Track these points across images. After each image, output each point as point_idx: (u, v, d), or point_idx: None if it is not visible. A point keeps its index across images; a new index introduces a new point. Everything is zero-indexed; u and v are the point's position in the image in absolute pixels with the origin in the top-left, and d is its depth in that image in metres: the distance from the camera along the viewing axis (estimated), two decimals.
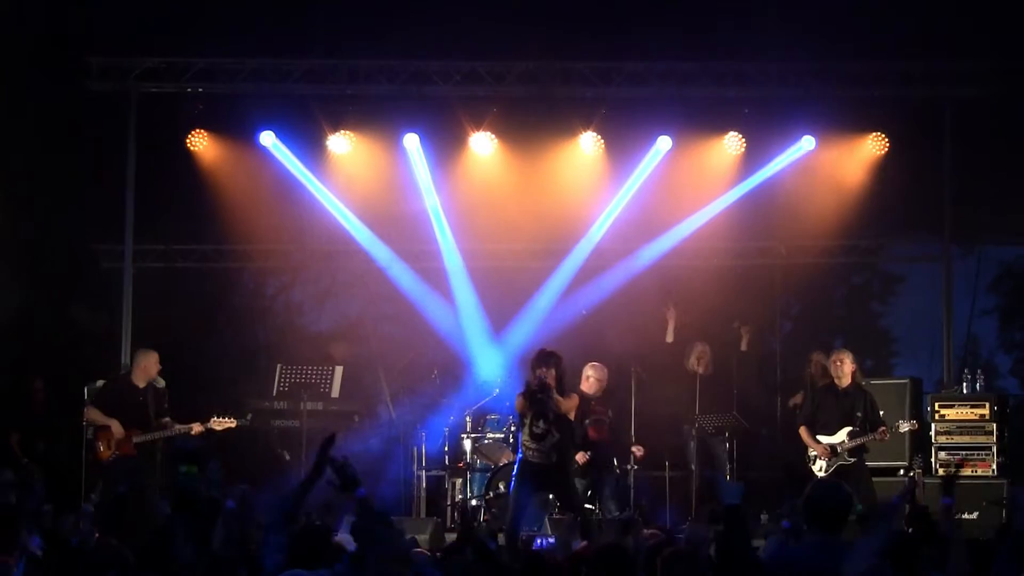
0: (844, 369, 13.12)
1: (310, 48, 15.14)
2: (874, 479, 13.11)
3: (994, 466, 13.98)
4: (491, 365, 15.24)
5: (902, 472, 13.75)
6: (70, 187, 15.45)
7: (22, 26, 14.92)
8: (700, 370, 14.34)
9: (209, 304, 16.60)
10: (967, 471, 13.95)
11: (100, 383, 14.08)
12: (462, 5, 14.77)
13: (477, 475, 14.17)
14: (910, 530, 9.61)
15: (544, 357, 11.57)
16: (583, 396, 13.60)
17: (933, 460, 14.08)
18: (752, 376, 15.27)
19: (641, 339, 15.23)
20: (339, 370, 14.73)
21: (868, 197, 15.39)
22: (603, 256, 15.90)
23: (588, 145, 15.46)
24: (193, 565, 6.75)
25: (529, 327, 15.53)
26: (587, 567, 6.77)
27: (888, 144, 15.39)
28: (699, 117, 15.29)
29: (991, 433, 14.06)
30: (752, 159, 15.57)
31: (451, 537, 11.98)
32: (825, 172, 15.47)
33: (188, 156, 15.41)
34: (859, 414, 13.03)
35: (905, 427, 13.52)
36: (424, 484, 14.59)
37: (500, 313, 15.81)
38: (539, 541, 11.33)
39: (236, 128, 15.40)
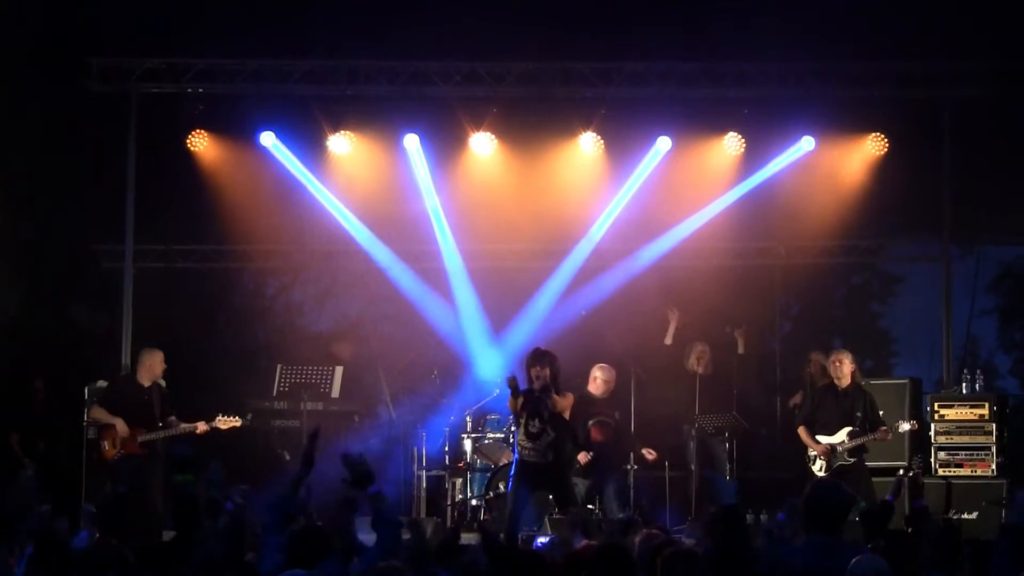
0: (843, 370, 13.13)
1: (310, 49, 15.14)
2: (874, 479, 13.11)
3: (993, 466, 13.98)
4: (491, 365, 15.26)
5: (900, 472, 13.75)
6: (70, 187, 15.47)
7: (23, 26, 14.93)
8: (700, 370, 14.35)
9: (209, 304, 16.61)
10: (967, 471, 13.98)
11: (100, 383, 14.11)
12: (462, 5, 14.78)
13: (477, 475, 14.19)
14: (909, 530, 9.64)
15: (538, 356, 11.60)
16: (590, 397, 13.62)
17: (933, 460, 14.09)
18: (752, 376, 15.29)
19: (641, 339, 15.24)
20: (339, 370, 14.74)
21: (867, 197, 15.40)
22: (603, 256, 15.91)
23: (588, 145, 15.47)
24: (193, 565, 6.76)
25: (529, 327, 15.54)
26: (587, 567, 6.77)
27: (887, 144, 15.40)
28: (699, 117, 15.30)
29: (990, 433, 14.06)
30: (752, 159, 15.58)
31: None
32: (825, 172, 15.48)
33: (188, 156, 15.42)
34: (859, 414, 13.04)
35: (905, 427, 13.53)
36: (424, 484, 14.60)
37: (500, 313, 15.82)
38: (539, 541, 11.32)
39: (236, 128, 15.41)
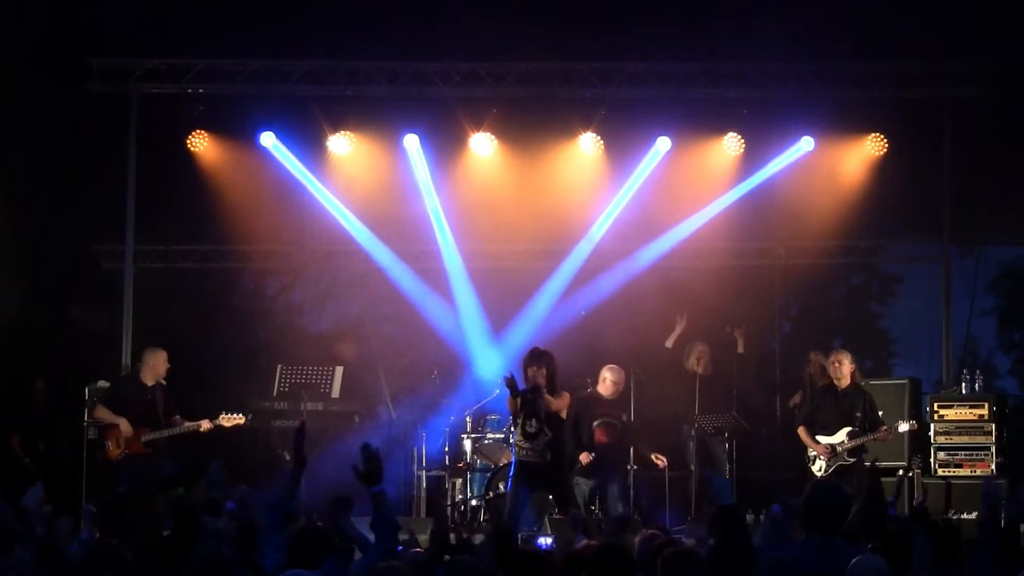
0: (843, 370, 13.14)
1: (310, 49, 15.16)
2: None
3: (993, 466, 14.00)
4: (491, 365, 15.26)
5: (900, 472, 13.77)
6: (71, 187, 15.47)
7: (23, 27, 14.93)
8: (699, 370, 14.35)
9: (209, 304, 16.61)
10: (966, 471, 13.99)
11: (101, 383, 14.12)
12: (462, 5, 14.79)
13: (477, 475, 14.20)
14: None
15: (536, 356, 11.60)
16: (598, 397, 13.62)
17: (932, 460, 14.11)
18: (751, 376, 15.29)
19: (641, 339, 15.24)
20: (339, 370, 14.74)
21: (867, 198, 15.41)
22: (603, 257, 15.92)
23: (588, 146, 15.48)
24: (194, 565, 6.76)
25: (529, 327, 15.54)
26: (587, 567, 6.78)
27: (887, 145, 15.41)
28: (698, 118, 15.31)
29: (990, 433, 14.08)
30: (751, 160, 15.59)
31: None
32: (824, 173, 15.49)
33: (189, 157, 15.43)
34: (858, 414, 13.05)
35: (904, 427, 13.54)
36: (424, 484, 14.61)
37: (500, 313, 15.83)
38: (539, 541, 11.33)
39: (237, 129, 15.42)
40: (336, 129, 15.39)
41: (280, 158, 15.52)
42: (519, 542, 10.52)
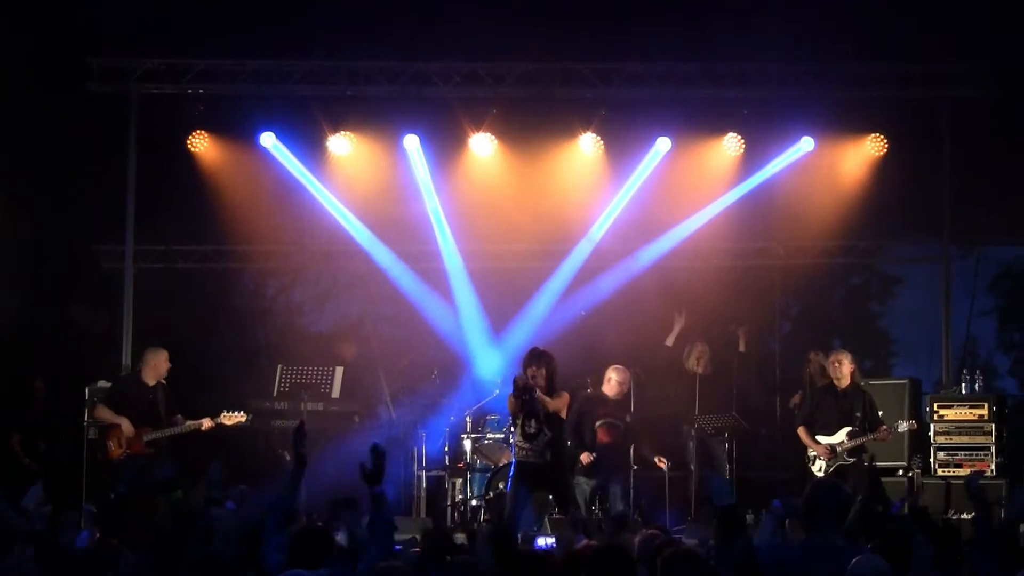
0: (843, 370, 13.14)
1: (310, 49, 15.16)
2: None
3: (993, 466, 14.01)
4: (491, 365, 15.27)
5: (901, 472, 13.77)
6: (71, 188, 15.48)
7: (23, 27, 14.94)
8: (699, 370, 14.35)
9: (209, 305, 16.61)
10: (966, 471, 13.99)
11: (101, 383, 14.13)
12: (462, 5, 14.79)
13: (477, 475, 14.19)
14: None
15: (535, 356, 11.59)
16: (603, 398, 13.62)
17: (932, 460, 14.11)
18: (751, 376, 15.29)
19: (641, 339, 15.25)
20: (339, 371, 14.75)
21: (867, 198, 15.42)
22: (603, 257, 15.93)
23: (588, 146, 15.49)
24: (194, 565, 6.77)
25: (529, 328, 15.55)
26: (587, 567, 6.78)
27: (887, 145, 15.42)
28: (698, 118, 15.32)
29: (990, 433, 14.09)
30: (751, 160, 15.60)
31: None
32: (824, 173, 15.50)
33: (189, 157, 15.43)
34: (858, 414, 13.05)
35: (904, 427, 13.55)
36: (424, 484, 14.61)
37: (500, 314, 15.83)
38: (539, 542, 11.34)
39: (237, 129, 15.43)
40: (336, 129, 15.39)
41: (280, 158, 15.53)
42: (518, 542, 10.54)
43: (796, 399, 14.66)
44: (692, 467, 14.22)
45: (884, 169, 15.40)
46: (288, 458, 14.36)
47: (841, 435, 13.03)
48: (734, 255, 16.11)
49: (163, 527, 7.87)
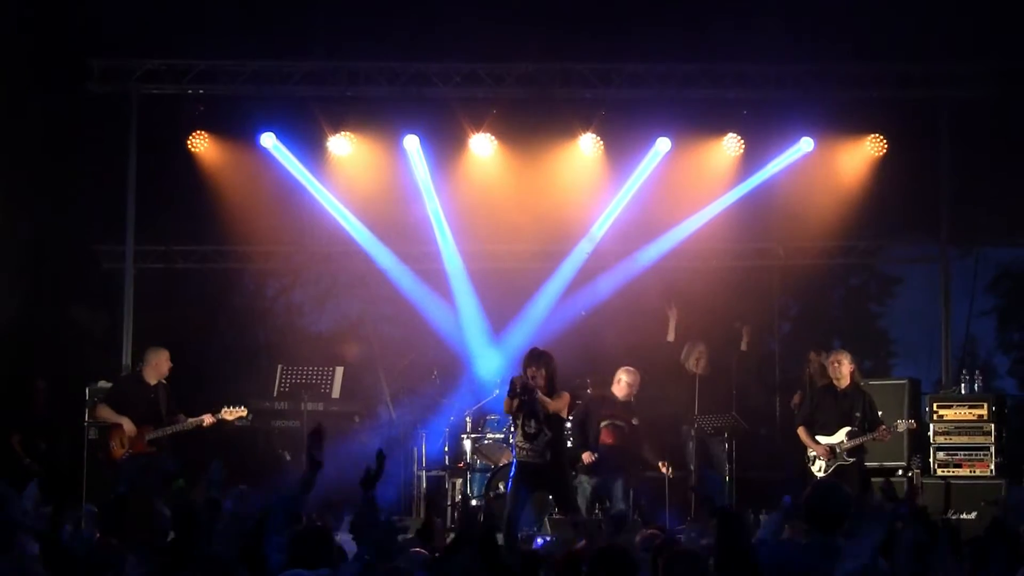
0: (842, 370, 13.15)
1: (310, 50, 15.17)
2: (873, 479, 13.13)
3: (992, 466, 14.01)
4: (491, 366, 15.28)
5: (900, 472, 13.78)
6: (71, 188, 15.49)
7: (24, 27, 14.95)
8: (699, 370, 14.36)
9: (210, 305, 16.62)
10: (965, 471, 14.01)
11: (102, 383, 14.13)
12: (462, 6, 14.80)
13: (477, 475, 14.20)
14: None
15: (535, 356, 11.59)
16: (611, 398, 13.61)
17: (932, 460, 14.12)
18: (751, 376, 15.30)
19: (641, 339, 15.25)
20: (339, 371, 14.77)
21: (866, 198, 15.43)
22: (602, 257, 15.93)
23: (588, 146, 15.50)
24: (195, 565, 6.77)
25: (529, 328, 15.56)
26: (587, 567, 6.79)
27: (886, 145, 15.44)
28: (698, 118, 15.33)
29: (989, 433, 14.10)
30: (751, 160, 15.61)
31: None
32: (823, 173, 15.51)
33: (189, 157, 15.45)
34: (858, 414, 13.06)
35: (904, 427, 13.56)
36: (424, 484, 14.62)
37: (500, 314, 15.84)
38: (539, 541, 11.35)
39: (237, 130, 15.44)
40: (336, 130, 15.40)
41: (280, 159, 15.54)
42: (518, 542, 10.55)
43: (796, 399, 14.66)
44: (692, 467, 14.23)
45: (883, 169, 15.42)
46: (288, 458, 14.40)
47: (840, 435, 13.04)
48: (734, 255, 16.12)
49: (163, 527, 7.87)
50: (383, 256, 15.85)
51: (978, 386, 14.47)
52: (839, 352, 13.39)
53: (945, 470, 14.05)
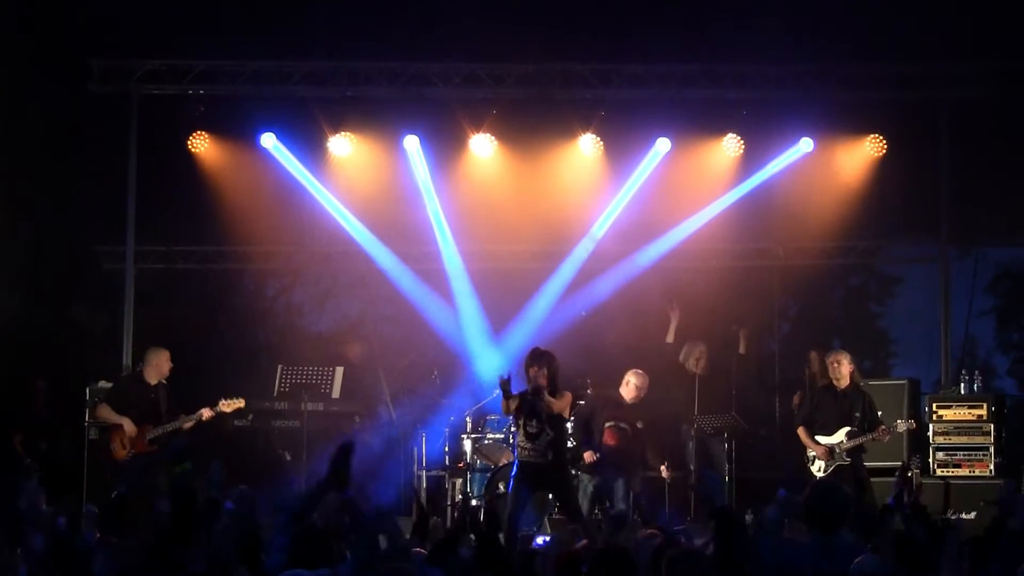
0: (842, 370, 13.15)
1: (310, 50, 15.18)
2: (873, 479, 13.14)
3: (992, 466, 14.02)
4: (491, 366, 15.26)
5: (898, 472, 13.77)
6: (71, 188, 15.50)
7: (24, 28, 14.96)
8: (698, 371, 14.36)
9: (210, 305, 16.63)
10: (965, 471, 14.02)
11: (102, 383, 14.14)
12: (462, 6, 14.81)
13: (477, 475, 14.20)
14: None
15: (537, 356, 11.59)
16: (618, 400, 13.61)
17: (931, 460, 14.14)
18: (751, 376, 15.30)
19: (640, 340, 15.26)
20: (339, 371, 14.77)
21: (866, 199, 15.43)
22: (602, 257, 15.93)
23: (587, 147, 15.51)
24: (196, 565, 6.78)
25: (529, 328, 15.56)
26: (587, 567, 6.80)
27: (886, 146, 15.44)
28: (698, 119, 15.34)
29: (988, 433, 14.11)
30: (750, 161, 15.62)
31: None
32: (823, 174, 15.51)
33: (189, 158, 15.45)
34: (857, 415, 13.07)
35: (903, 427, 13.56)
36: (424, 484, 14.62)
37: (500, 314, 15.84)
38: (539, 540, 11.35)
39: (237, 130, 15.44)
40: (336, 130, 15.41)
41: (280, 159, 15.54)
42: (518, 542, 10.55)
43: (796, 399, 14.67)
44: (691, 467, 14.23)
45: (883, 170, 15.42)
46: (288, 458, 14.40)
47: (840, 435, 13.04)
48: (733, 256, 16.12)
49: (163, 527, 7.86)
50: (383, 256, 15.85)
51: (977, 386, 14.48)
52: (839, 352, 13.40)
53: (944, 470, 14.06)
